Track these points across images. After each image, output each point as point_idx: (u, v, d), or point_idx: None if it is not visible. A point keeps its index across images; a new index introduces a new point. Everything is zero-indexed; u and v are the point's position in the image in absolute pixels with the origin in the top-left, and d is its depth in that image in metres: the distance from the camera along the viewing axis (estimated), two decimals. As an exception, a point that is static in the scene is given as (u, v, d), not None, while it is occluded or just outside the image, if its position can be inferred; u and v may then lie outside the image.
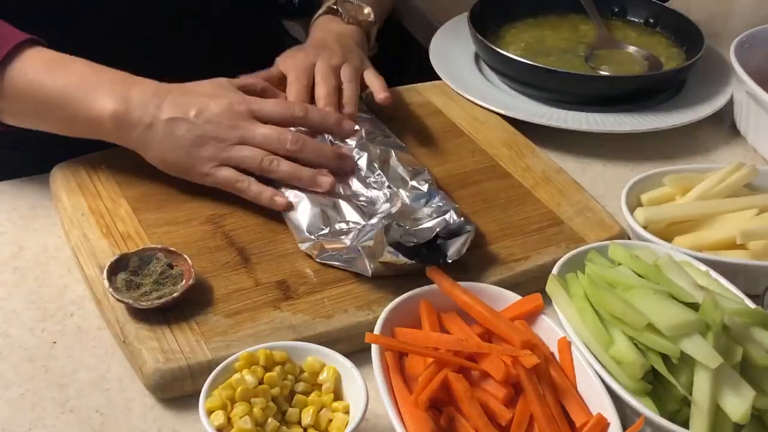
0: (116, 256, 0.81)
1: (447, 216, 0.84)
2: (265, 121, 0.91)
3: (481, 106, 1.10)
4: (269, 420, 0.67)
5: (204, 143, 0.88)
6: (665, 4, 1.28)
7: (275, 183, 0.90)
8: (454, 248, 0.81)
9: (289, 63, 1.01)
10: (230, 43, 1.13)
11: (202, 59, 1.03)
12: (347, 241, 0.84)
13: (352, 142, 0.94)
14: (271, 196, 0.89)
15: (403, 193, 0.88)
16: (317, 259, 0.84)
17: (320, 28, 1.08)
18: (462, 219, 0.84)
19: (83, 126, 0.90)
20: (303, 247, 0.85)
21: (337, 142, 0.94)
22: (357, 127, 0.94)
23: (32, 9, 0.95)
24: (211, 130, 0.88)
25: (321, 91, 0.97)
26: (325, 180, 0.89)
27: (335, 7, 1.09)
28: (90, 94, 0.88)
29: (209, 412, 0.66)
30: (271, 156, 0.89)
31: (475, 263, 0.86)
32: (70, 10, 1.00)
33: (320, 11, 1.11)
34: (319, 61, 1.00)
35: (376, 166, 0.91)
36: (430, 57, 1.20)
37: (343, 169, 0.91)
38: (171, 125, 0.88)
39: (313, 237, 0.85)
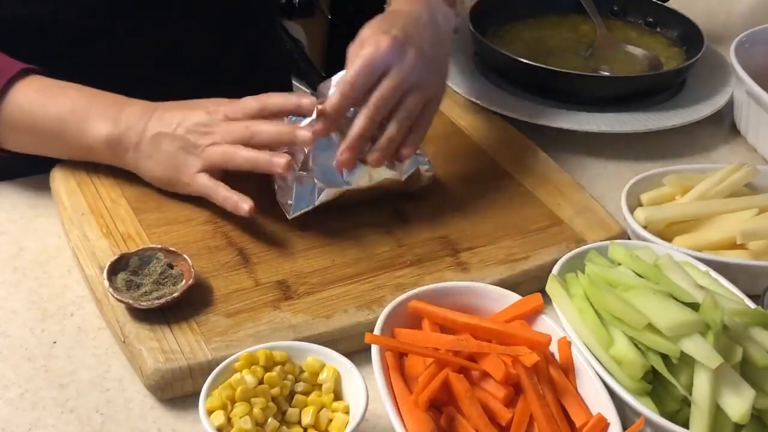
0: (116, 256, 0.81)
1: None
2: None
3: (481, 106, 1.10)
4: (269, 420, 0.67)
5: (185, 152, 0.89)
6: (665, 4, 1.28)
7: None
8: None
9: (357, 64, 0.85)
10: (236, 50, 1.13)
11: (205, 65, 1.03)
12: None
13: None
14: (236, 202, 0.87)
15: None
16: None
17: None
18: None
19: (80, 152, 0.92)
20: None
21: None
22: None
23: (50, 34, 0.96)
24: (189, 139, 0.88)
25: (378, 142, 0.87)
26: (279, 162, 0.85)
27: None
28: (83, 121, 0.89)
29: (209, 412, 0.66)
30: (229, 148, 0.87)
31: (475, 263, 0.86)
32: (78, 23, 1.00)
33: None
34: (390, 79, 0.85)
35: None
36: (430, 57, 1.20)
37: (304, 145, 0.86)
38: (156, 141, 0.89)
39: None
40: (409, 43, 0.86)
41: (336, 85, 0.86)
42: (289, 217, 0.88)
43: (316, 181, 0.88)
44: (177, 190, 0.91)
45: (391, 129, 0.86)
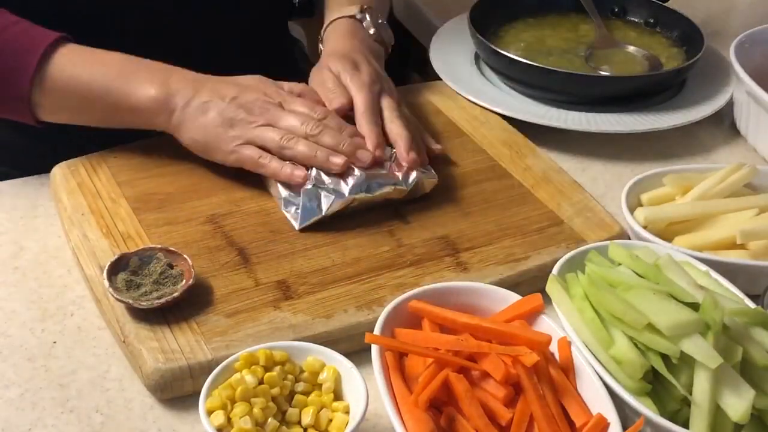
0: (116, 256, 0.81)
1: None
2: None
3: (481, 106, 1.10)
4: (269, 420, 0.67)
5: (233, 124, 0.91)
6: (665, 4, 1.28)
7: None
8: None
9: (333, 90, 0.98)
10: (248, 53, 1.13)
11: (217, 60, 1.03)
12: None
13: None
14: (291, 171, 0.89)
15: None
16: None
17: (344, 34, 1.06)
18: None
19: (124, 115, 0.93)
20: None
21: None
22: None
23: (61, 13, 0.96)
24: (241, 113, 0.91)
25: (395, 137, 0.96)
26: (336, 161, 0.89)
27: (359, 15, 1.07)
28: (131, 82, 0.91)
29: (209, 412, 0.66)
30: (290, 135, 0.90)
31: (475, 263, 0.86)
32: (91, 14, 1.00)
33: (336, 15, 1.08)
34: (365, 92, 0.97)
35: None
36: (430, 57, 1.20)
37: (359, 161, 0.91)
38: (205, 108, 0.91)
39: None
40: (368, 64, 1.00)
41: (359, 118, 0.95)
42: (297, 228, 0.88)
43: (323, 193, 0.89)
44: (212, 158, 0.93)
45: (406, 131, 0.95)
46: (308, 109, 0.93)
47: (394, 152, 0.93)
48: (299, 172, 0.89)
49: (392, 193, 0.91)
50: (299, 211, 0.89)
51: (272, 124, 0.91)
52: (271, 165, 0.90)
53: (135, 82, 0.91)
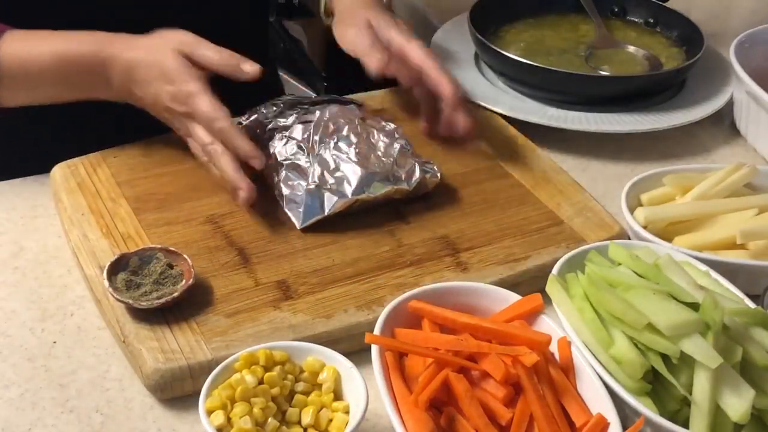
0: (116, 256, 0.81)
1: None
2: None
3: (481, 106, 1.10)
4: (269, 420, 0.67)
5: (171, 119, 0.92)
6: (665, 4, 1.28)
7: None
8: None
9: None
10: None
11: None
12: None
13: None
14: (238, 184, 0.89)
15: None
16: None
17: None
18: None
19: (81, 79, 0.92)
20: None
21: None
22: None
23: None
24: (170, 117, 0.92)
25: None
26: (242, 196, 0.88)
27: None
28: (78, 44, 0.92)
29: (209, 412, 0.66)
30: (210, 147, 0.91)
31: (475, 263, 0.86)
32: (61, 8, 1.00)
33: None
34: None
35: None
36: (430, 57, 1.20)
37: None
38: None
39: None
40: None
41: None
42: (299, 226, 0.88)
43: (326, 193, 0.89)
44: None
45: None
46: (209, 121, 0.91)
47: (399, 147, 0.93)
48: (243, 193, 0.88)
49: (394, 193, 0.91)
50: (301, 210, 0.89)
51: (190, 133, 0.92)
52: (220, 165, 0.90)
53: (80, 43, 0.92)
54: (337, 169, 0.90)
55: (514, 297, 0.77)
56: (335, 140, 0.92)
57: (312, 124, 0.93)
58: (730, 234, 0.86)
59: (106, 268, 0.80)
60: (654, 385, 0.71)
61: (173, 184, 0.94)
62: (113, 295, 0.78)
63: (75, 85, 0.93)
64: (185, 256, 0.82)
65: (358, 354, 0.74)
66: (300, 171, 0.91)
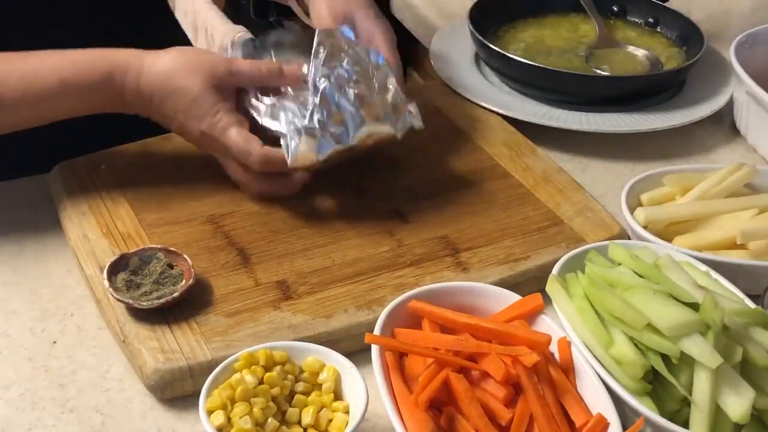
0: (116, 256, 0.81)
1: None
2: None
3: (481, 106, 1.10)
4: (269, 420, 0.67)
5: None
6: (665, 4, 1.28)
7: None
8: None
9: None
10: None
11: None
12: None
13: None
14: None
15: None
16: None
17: None
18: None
19: (91, 105, 0.90)
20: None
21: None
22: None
23: None
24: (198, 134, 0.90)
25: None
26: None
27: None
28: (75, 58, 0.88)
29: (209, 412, 0.66)
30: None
31: (475, 263, 0.86)
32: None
33: None
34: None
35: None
36: (430, 57, 1.20)
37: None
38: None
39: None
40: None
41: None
42: (289, 163, 0.87)
43: (322, 135, 0.88)
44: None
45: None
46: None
47: (392, 91, 0.93)
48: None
49: (384, 140, 0.91)
50: (294, 150, 0.87)
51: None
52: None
53: (80, 57, 0.88)
54: (338, 110, 0.89)
55: (514, 297, 0.77)
56: (336, 74, 0.91)
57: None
58: (730, 234, 0.86)
59: (106, 268, 0.80)
60: (654, 385, 0.71)
61: (173, 184, 0.94)
62: (113, 295, 0.78)
63: (83, 107, 0.91)
64: (185, 256, 0.82)
65: (358, 354, 0.74)
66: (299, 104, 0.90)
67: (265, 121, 0.89)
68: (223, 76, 0.89)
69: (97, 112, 0.91)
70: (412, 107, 0.93)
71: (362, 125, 0.89)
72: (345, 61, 0.92)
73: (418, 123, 0.93)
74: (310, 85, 0.90)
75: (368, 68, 0.93)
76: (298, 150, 0.87)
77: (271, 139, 0.89)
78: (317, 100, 0.89)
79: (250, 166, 0.89)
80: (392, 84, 0.93)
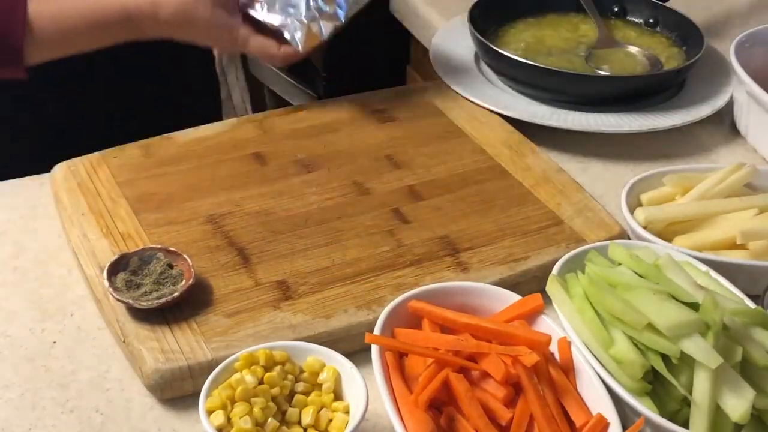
0: (116, 256, 0.81)
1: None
2: None
3: (481, 106, 1.10)
4: (269, 420, 0.67)
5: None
6: (665, 4, 1.28)
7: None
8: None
9: None
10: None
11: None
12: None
13: None
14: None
15: None
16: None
17: None
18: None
19: (114, 33, 0.96)
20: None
21: None
22: None
23: None
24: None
25: None
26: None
27: None
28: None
29: (209, 412, 0.66)
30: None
31: (475, 263, 0.86)
32: None
33: None
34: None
35: None
36: (430, 57, 1.20)
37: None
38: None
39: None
40: None
41: None
42: (301, 51, 1.01)
43: (321, 19, 1.01)
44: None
45: None
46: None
47: None
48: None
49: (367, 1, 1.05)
50: (303, 30, 1.00)
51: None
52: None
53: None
54: None
55: (514, 297, 0.77)
56: None
57: None
58: (730, 234, 0.86)
59: (106, 268, 0.80)
60: (654, 385, 0.71)
61: (173, 184, 0.94)
62: (113, 295, 0.78)
63: (108, 37, 0.97)
64: (185, 256, 0.82)
65: (358, 354, 0.74)
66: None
67: (267, 17, 1.00)
68: None
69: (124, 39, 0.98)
70: None
71: (350, 2, 1.01)
72: None
73: None
74: None
75: None
76: (305, 38, 1.00)
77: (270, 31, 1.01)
78: None
79: (272, 62, 1.06)
80: None
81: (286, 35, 1.00)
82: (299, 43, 1.00)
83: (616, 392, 0.69)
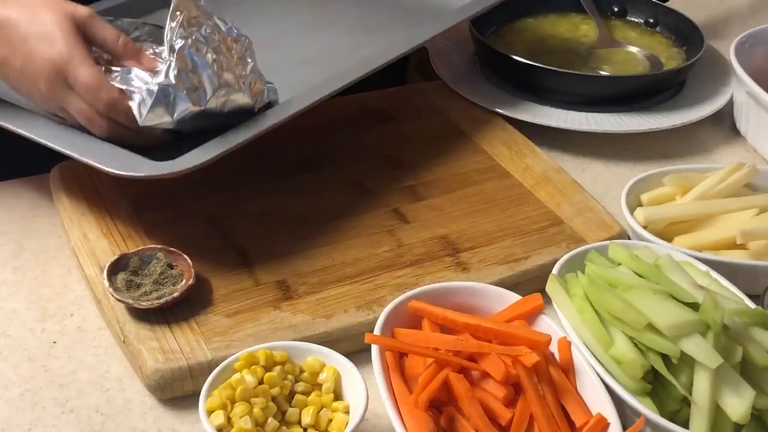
0: (116, 256, 0.81)
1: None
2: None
3: (481, 106, 1.10)
4: (269, 420, 0.67)
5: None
6: (665, 4, 1.28)
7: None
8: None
9: None
10: None
11: None
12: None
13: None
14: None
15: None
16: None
17: None
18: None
19: None
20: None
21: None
22: None
23: None
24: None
25: None
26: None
27: None
28: None
29: (209, 412, 0.66)
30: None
31: (475, 263, 0.86)
32: None
33: None
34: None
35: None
36: (430, 57, 1.20)
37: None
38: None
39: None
40: None
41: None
42: (141, 122, 0.81)
43: (177, 94, 0.82)
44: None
45: None
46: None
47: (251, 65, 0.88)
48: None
49: (240, 110, 0.86)
50: (148, 108, 0.81)
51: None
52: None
53: None
54: (194, 69, 0.83)
55: (514, 297, 0.77)
56: (194, 38, 0.84)
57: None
58: (730, 234, 0.86)
59: (106, 268, 0.80)
60: (654, 385, 0.71)
61: (173, 184, 0.93)
62: (113, 295, 0.78)
63: None
64: (185, 256, 0.82)
65: (358, 354, 0.74)
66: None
67: (116, 81, 0.83)
68: (85, 20, 0.84)
69: None
70: (270, 84, 0.91)
71: (220, 89, 0.83)
72: (203, 27, 0.85)
73: (275, 97, 0.90)
74: (166, 46, 0.84)
75: (227, 38, 0.88)
76: (150, 108, 0.81)
77: None
78: (174, 58, 0.82)
79: (96, 104, 0.81)
80: (251, 58, 0.88)
81: (134, 101, 0.82)
82: (142, 113, 0.81)
83: (616, 392, 0.70)
